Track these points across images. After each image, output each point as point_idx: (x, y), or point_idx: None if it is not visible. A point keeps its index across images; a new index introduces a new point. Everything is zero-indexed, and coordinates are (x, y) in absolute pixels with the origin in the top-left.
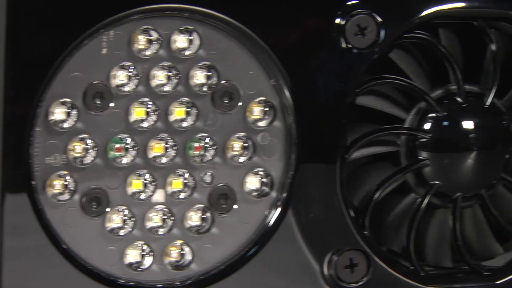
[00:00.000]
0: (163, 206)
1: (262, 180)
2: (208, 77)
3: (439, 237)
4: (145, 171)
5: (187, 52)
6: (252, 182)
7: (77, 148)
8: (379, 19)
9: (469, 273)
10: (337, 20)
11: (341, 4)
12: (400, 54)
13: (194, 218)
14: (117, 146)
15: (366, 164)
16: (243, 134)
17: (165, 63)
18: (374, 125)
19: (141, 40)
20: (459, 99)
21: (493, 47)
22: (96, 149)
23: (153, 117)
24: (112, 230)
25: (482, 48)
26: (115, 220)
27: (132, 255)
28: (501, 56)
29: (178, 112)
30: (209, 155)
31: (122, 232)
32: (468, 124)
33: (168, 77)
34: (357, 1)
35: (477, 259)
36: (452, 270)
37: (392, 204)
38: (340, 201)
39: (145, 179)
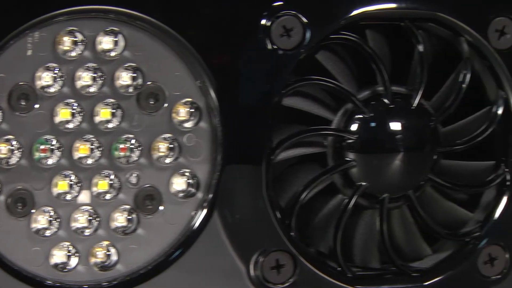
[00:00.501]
0: (88, 207)
1: (188, 181)
2: (134, 78)
3: (367, 238)
4: (70, 172)
5: (112, 54)
6: (178, 183)
7: (2, 149)
8: (305, 20)
9: (397, 274)
10: (263, 21)
11: (266, 5)
12: (327, 55)
13: (119, 219)
14: (42, 147)
15: (294, 165)
16: (169, 135)
17: (90, 65)
18: (301, 126)
19: (66, 41)
20: (385, 100)
21: (420, 48)
22: (21, 150)
23: (78, 118)
24: (38, 231)
25: (411, 50)
26: (40, 221)
27: (58, 256)
28: (429, 57)
29: (103, 113)
30: (134, 156)
31: (47, 233)
32: (394, 125)
33: (93, 78)
34: (283, 2)
35: (405, 260)
36: (380, 271)
37: (320, 205)
38: (266, 202)
39: (71, 180)
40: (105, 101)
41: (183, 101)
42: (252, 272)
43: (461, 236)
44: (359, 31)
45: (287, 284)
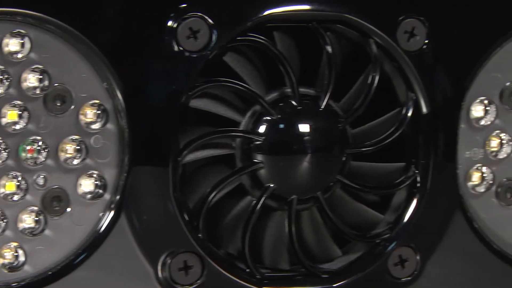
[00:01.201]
0: None
1: (96, 182)
2: (40, 80)
3: (276, 240)
4: None
5: (19, 56)
6: (86, 185)
7: None
8: (211, 22)
9: (306, 276)
10: (169, 23)
11: (173, 7)
12: (235, 57)
13: (27, 220)
14: None
15: (203, 167)
16: (76, 137)
17: None
18: (209, 128)
19: None
20: (293, 102)
21: (328, 49)
22: None
23: None
24: None
25: (321, 51)
26: None
27: None
28: (338, 58)
29: (10, 115)
30: (41, 157)
31: None
32: (302, 127)
33: (0, 80)
34: (189, 4)
35: (315, 262)
36: (289, 272)
37: (229, 207)
38: (173, 204)
39: None
40: (12, 102)
41: (90, 102)
42: (160, 273)
43: (371, 237)
44: (268, 33)
45: (195, 286)
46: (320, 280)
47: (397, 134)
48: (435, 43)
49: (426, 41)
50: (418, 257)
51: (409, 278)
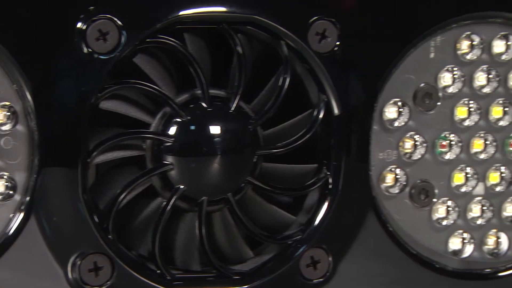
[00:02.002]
0: None
1: (6, 184)
2: None
3: (187, 241)
4: None
5: None
6: None
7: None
8: (120, 23)
9: (217, 277)
10: (79, 25)
11: (83, 8)
12: (145, 59)
13: None
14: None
15: (114, 168)
16: None
17: None
18: (120, 129)
19: None
20: (203, 103)
21: (239, 51)
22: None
23: None
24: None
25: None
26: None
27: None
28: (249, 60)
29: None
30: None
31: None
32: (211, 129)
33: None
34: (98, 6)
35: (227, 263)
36: (200, 273)
37: (140, 208)
38: (83, 205)
39: None
40: None
41: (0, 104)
42: (70, 274)
43: (282, 239)
44: (179, 34)
45: (105, 287)
46: (231, 282)
47: (308, 136)
48: (346, 44)
49: (338, 43)
50: (330, 259)
51: (321, 280)
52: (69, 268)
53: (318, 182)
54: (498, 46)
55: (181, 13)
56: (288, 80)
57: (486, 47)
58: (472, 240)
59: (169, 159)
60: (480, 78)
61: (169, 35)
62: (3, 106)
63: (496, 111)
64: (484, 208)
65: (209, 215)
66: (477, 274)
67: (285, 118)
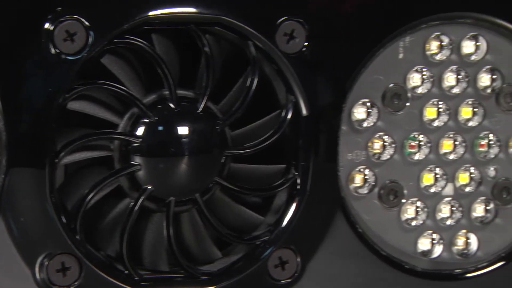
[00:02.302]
0: None
1: None
2: None
3: (155, 241)
4: None
5: None
6: None
7: None
8: (88, 24)
9: (185, 277)
10: (46, 26)
11: (50, 9)
12: (113, 59)
13: None
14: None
15: (82, 169)
16: None
17: None
18: (88, 130)
19: None
20: (171, 104)
21: (207, 52)
22: None
23: None
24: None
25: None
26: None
27: None
28: (218, 61)
29: None
30: None
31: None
32: (179, 129)
33: None
34: (65, 7)
35: (196, 264)
36: (169, 274)
37: (109, 209)
38: (50, 206)
39: None
40: None
41: None
42: (37, 275)
43: (250, 239)
44: (147, 35)
45: (73, 287)
46: (199, 282)
47: (276, 136)
48: (315, 45)
49: (306, 44)
50: (298, 259)
51: (289, 280)
52: (37, 269)
53: (286, 183)
54: (468, 46)
55: (148, 13)
56: (256, 80)
57: (455, 47)
58: (441, 241)
59: (137, 160)
60: (449, 79)
61: (137, 35)
62: None
63: (465, 112)
64: (453, 208)
65: (177, 216)
66: (447, 275)
67: (254, 119)
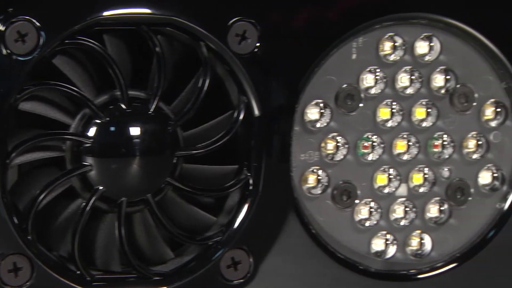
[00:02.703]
0: None
1: None
2: None
3: (107, 242)
4: None
5: None
6: None
7: None
8: (39, 25)
9: (138, 278)
10: None
11: (1, 10)
12: (65, 60)
13: None
14: None
15: (34, 169)
16: None
17: None
18: (40, 130)
19: None
20: (122, 105)
21: (158, 52)
22: None
23: None
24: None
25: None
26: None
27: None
28: (170, 62)
29: None
30: None
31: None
32: (130, 130)
33: None
34: (16, 8)
35: (149, 264)
36: (121, 274)
37: (61, 209)
38: (2, 206)
39: None
40: None
41: None
42: None
43: (202, 240)
44: (99, 36)
45: (25, 287)
46: (151, 282)
47: (228, 137)
48: (267, 46)
49: (258, 44)
50: (251, 260)
51: (241, 280)
52: None
53: (238, 183)
54: (421, 47)
55: (99, 14)
56: (207, 81)
57: (409, 48)
58: (395, 242)
59: (88, 160)
60: (403, 79)
61: (89, 36)
62: None
63: (419, 112)
64: (407, 209)
65: (129, 216)
66: (401, 275)
67: (208, 120)
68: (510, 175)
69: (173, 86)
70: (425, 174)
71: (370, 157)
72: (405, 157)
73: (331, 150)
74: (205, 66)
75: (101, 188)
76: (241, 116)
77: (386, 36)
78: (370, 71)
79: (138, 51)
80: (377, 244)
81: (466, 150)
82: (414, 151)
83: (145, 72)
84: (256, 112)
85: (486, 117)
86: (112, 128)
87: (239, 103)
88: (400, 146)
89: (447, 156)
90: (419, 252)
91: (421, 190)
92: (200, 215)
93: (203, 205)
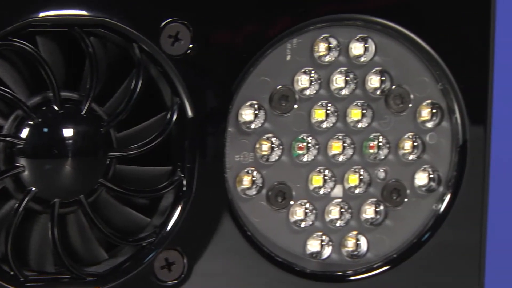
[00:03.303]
0: None
1: None
2: None
3: (41, 243)
4: None
5: None
6: None
7: None
8: None
9: (72, 279)
10: None
11: None
12: None
13: None
14: None
15: None
16: None
17: None
18: None
19: None
20: (55, 106)
21: (90, 54)
22: None
23: None
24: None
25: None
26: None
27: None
28: (103, 63)
29: None
30: None
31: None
32: (62, 131)
33: None
34: None
35: (83, 265)
36: (55, 275)
37: None
38: None
39: None
40: None
41: None
42: None
43: (135, 241)
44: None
45: None
46: (85, 283)
47: (161, 138)
48: (200, 47)
49: (191, 46)
50: (185, 261)
51: (175, 281)
52: None
53: (172, 185)
54: (356, 48)
55: (31, 16)
56: (140, 83)
57: (344, 49)
58: (330, 243)
59: (21, 161)
60: (338, 81)
61: (22, 38)
62: None
63: (354, 114)
64: (343, 210)
65: (63, 217)
66: (337, 276)
67: (143, 121)
68: (446, 176)
69: (106, 88)
70: (360, 175)
71: (305, 158)
72: (341, 158)
73: (266, 151)
74: (138, 67)
75: (33, 189)
76: (174, 117)
77: (321, 37)
78: (305, 72)
79: (72, 52)
80: (313, 245)
81: (402, 151)
82: (349, 152)
83: (79, 74)
84: (190, 113)
85: (422, 118)
86: (45, 129)
87: (172, 104)
88: (335, 147)
89: (382, 157)
90: (355, 253)
91: (357, 191)
92: (133, 216)
93: (137, 206)
